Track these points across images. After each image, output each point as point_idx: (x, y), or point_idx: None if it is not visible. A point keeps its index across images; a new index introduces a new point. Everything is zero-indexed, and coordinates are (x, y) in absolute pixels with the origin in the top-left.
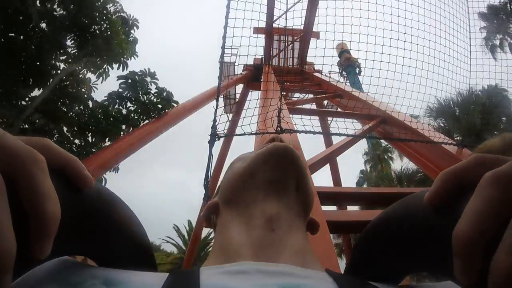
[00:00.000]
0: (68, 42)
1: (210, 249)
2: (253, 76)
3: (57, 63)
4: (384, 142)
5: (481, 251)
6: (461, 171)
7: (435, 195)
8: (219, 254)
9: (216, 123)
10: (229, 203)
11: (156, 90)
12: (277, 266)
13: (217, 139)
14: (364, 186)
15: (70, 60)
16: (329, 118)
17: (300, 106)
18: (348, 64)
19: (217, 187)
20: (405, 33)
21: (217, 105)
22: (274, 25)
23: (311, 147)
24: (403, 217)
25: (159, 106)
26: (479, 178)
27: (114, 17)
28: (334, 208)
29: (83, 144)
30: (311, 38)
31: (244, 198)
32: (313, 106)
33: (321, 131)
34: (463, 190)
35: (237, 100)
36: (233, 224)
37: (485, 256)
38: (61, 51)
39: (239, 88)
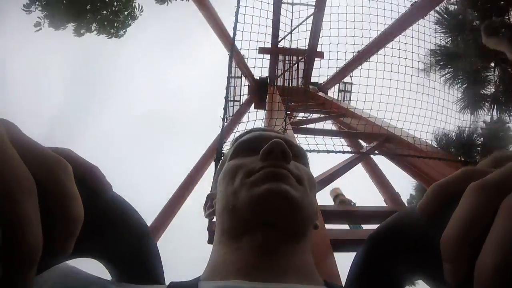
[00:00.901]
0: None
1: None
2: (258, 90)
3: None
4: None
5: (467, 254)
6: (450, 182)
7: (427, 205)
8: (212, 272)
9: (223, 144)
10: (221, 226)
11: None
12: (274, 285)
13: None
14: None
15: None
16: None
17: (305, 126)
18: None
19: (212, 184)
20: (405, 50)
21: (223, 125)
22: (279, 45)
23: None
24: (398, 228)
25: None
26: (466, 188)
27: None
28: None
29: None
30: (316, 58)
31: (236, 230)
32: (318, 126)
33: (324, 149)
34: (452, 200)
35: (241, 104)
36: (228, 247)
37: (471, 260)
38: None
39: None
